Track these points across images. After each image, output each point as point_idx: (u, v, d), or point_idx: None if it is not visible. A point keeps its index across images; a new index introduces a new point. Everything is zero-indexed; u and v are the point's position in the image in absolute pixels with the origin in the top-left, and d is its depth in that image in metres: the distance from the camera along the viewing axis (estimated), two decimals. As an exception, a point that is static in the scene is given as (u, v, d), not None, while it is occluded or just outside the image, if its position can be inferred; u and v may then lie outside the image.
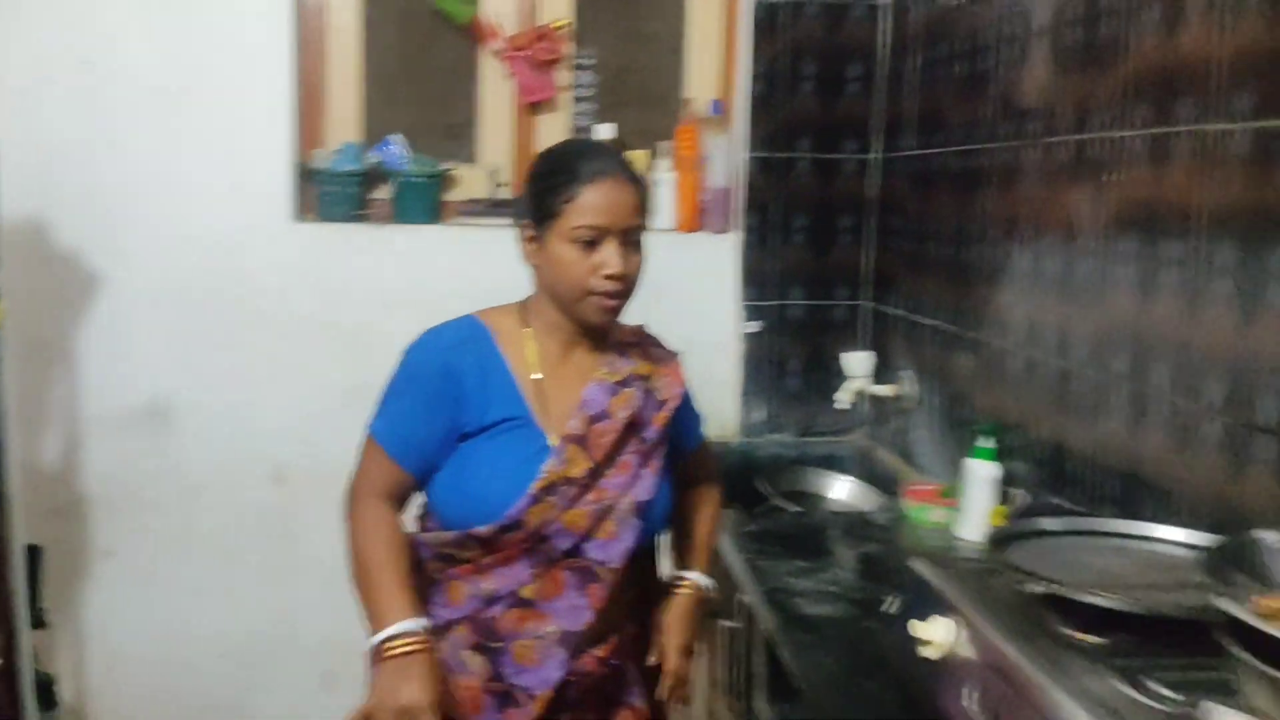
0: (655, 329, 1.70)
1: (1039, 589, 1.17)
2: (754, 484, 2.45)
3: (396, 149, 2.64)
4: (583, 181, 1.46)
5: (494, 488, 1.46)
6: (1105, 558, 1.28)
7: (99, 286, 2.52)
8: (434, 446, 1.49)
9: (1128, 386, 1.60)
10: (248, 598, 2.67)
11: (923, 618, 1.24)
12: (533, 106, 2.71)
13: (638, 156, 2.66)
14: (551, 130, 2.73)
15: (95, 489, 2.58)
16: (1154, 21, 1.55)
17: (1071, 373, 1.77)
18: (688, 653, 1.66)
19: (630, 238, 1.47)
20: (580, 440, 1.49)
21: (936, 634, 1.20)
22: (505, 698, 1.47)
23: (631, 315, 1.56)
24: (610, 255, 1.44)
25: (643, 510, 1.51)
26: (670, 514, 1.63)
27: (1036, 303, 1.90)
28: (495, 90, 2.71)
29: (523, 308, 1.57)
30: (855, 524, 2.16)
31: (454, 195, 2.72)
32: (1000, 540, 1.32)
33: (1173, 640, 1.08)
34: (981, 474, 1.95)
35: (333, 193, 2.59)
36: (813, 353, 2.76)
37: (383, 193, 2.65)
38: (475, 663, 1.47)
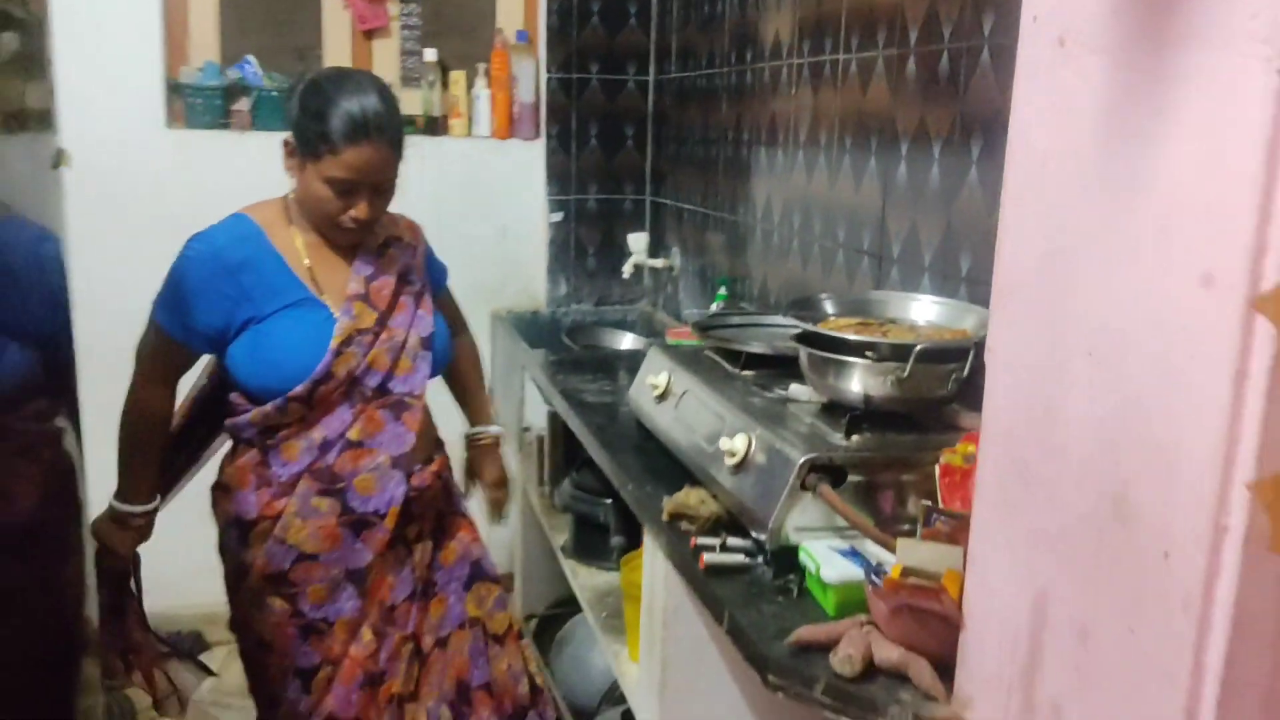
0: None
1: (717, 346, 1.89)
2: (560, 340, 3.12)
3: (252, 68, 3.12)
4: (344, 140, 1.66)
5: (296, 353, 1.73)
6: (763, 334, 2.02)
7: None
8: (214, 333, 1.76)
9: (800, 236, 2.36)
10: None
11: (655, 374, 1.94)
12: (368, 34, 3.24)
13: (457, 75, 3.24)
14: (384, 53, 3.27)
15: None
16: (814, -15, 2.27)
17: (772, 232, 2.52)
18: (500, 485, 2.12)
19: (380, 187, 1.73)
20: (363, 298, 1.77)
21: (660, 381, 1.91)
22: (359, 525, 1.78)
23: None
24: (361, 205, 1.70)
25: (428, 343, 1.85)
26: (447, 348, 1.95)
27: (756, 186, 2.64)
28: (335, 19, 3.22)
29: (285, 205, 1.81)
30: (630, 356, 2.87)
31: (303, 107, 3.22)
32: (702, 327, 2.04)
33: (793, 370, 1.81)
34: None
35: (198, 104, 3.05)
36: (605, 237, 3.43)
37: (241, 105, 3.12)
38: (325, 505, 1.76)
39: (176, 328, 1.79)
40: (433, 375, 1.91)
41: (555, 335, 3.15)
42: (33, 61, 1.77)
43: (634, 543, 2.21)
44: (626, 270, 3.30)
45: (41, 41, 1.80)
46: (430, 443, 1.94)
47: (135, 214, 3.03)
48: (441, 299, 2.02)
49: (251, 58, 3.13)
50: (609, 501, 2.33)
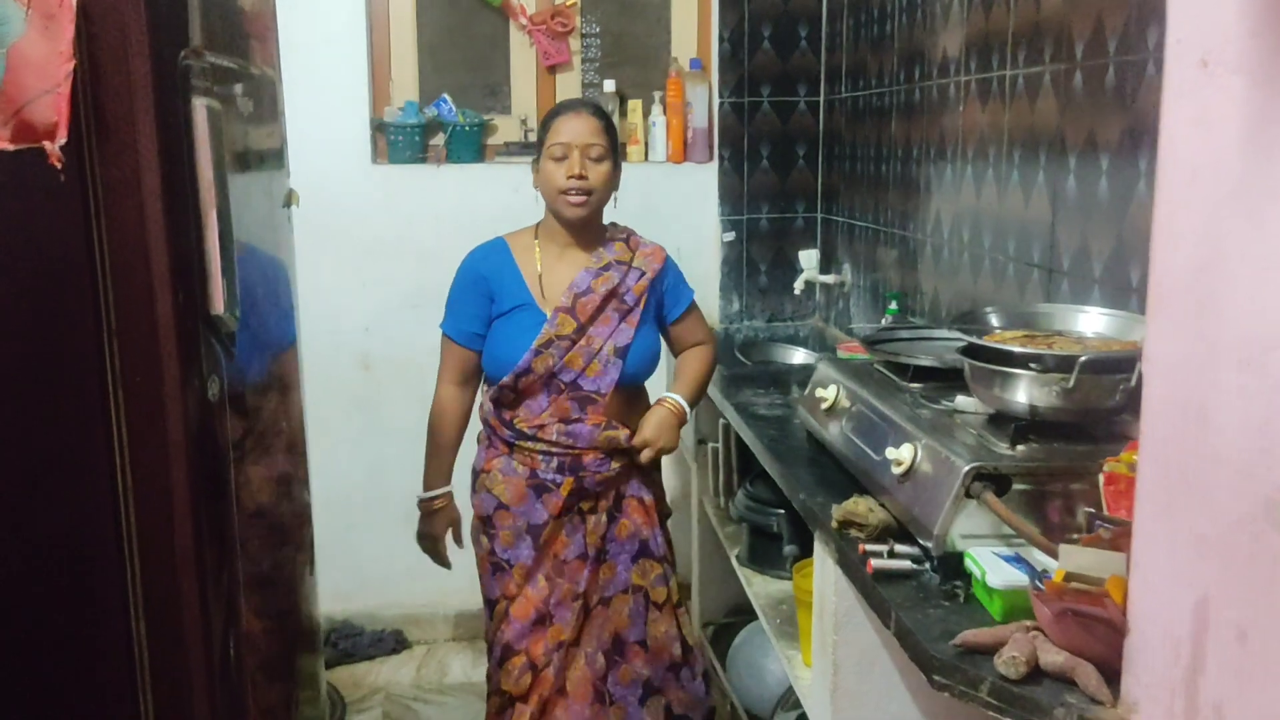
0: (654, 240, 2.39)
1: (885, 360, 1.95)
2: (734, 355, 3.22)
3: (447, 105, 3.38)
4: (556, 116, 2.16)
5: (511, 348, 2.14)
6: (933, 348, 2.05)
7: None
8: (480, 329, 2.20)
9: (970, 249, 2.37)
10: (344, 458, 3.41)
11: (824, 388, 2.01)
12: (551, 68, 3.44)
13: (634, 104, 3.40)
14: (566, 85, 3.46)
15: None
16: None
17: (942, 246, 2.54)
18: (658, 437, 2.19)
19: (590, 154, 2.10)
20: (568, 310, 2.14)
21: (829, 394, 1.98)
22: (541, 488, 2.18)
23: (602, 219, 2.24)
24: (572, 163, 2.09)
25: (622, 353, 2.17)
26: (651, 359, 2.25)
27: (926, 201, 2.66)
28: (522, 56, 3.43)
29: (536, 227, 2.25)
30: (802, 371, 2.93)
31: (493, 139, 3.43)
32: (870, 342, 2.10)
33: (962, 382, 1.84)
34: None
35: (399, 140, 3.32)
36: (776, 255, 3.51)
37: (438, 139, 3.37)
38: (520, 467, 2.19)
39: (455, 331, 2.22)
40: (631, 381, 2.20)
41: (729, 351, 3.25)
42: (267, 111, 2.02)
43: (806, 551, 2.28)
44: (798, 287, 3.36)
45: (274, 96, 2.05)
46: (616, 423, 2.19)
47: (347, 241, 3.31)
48: (680, 320, 2.33)
49: (446, 96, 3.38)
50: (781, 511, 2.40)
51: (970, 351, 1.65)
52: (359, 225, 3.32)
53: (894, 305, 2.74)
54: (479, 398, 2.33)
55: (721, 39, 3.37)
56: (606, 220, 2.30)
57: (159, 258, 1.21)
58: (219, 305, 1.33)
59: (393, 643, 3.45)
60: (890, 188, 2.88)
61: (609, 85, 3.39)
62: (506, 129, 3.46)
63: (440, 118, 3.35)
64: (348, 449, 3.42)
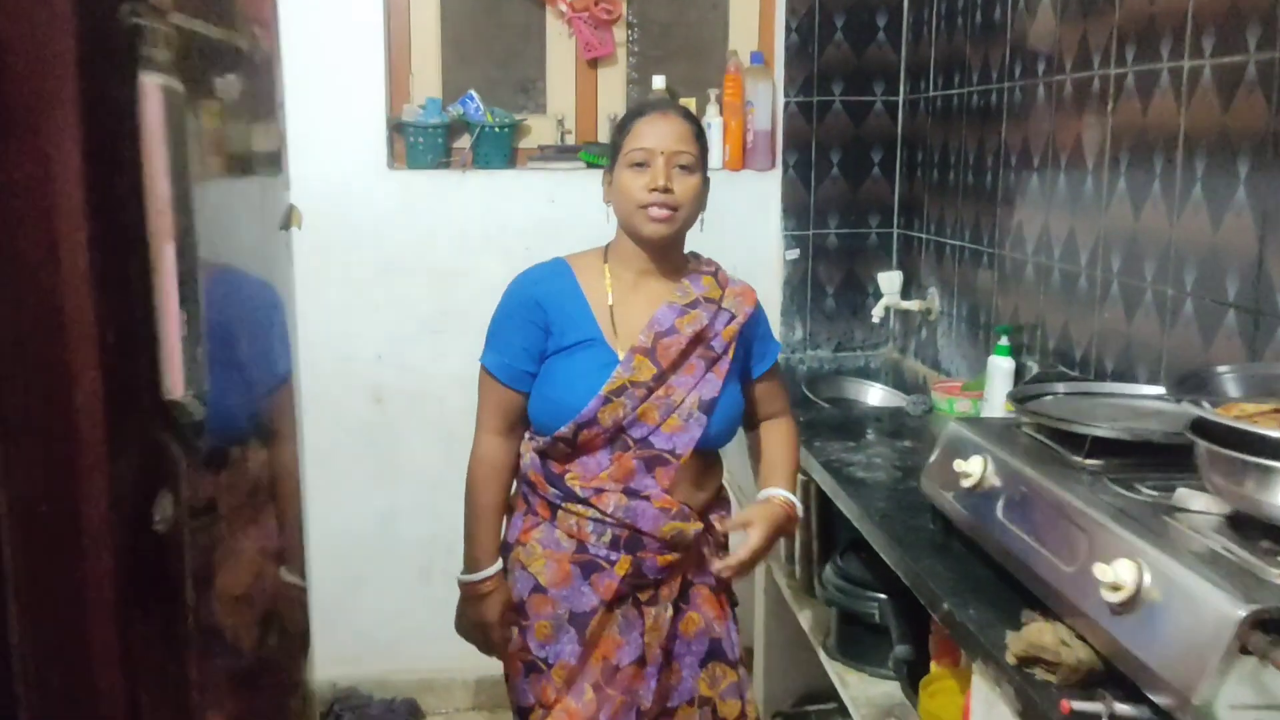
0: (706, 256, 1.99)
1: (1045, 425, 1.52)
2: (801, 391, 2.79)
3: (474, 103, 2.96)
4: (637, 117, 1.78)
5: (570, 393, 1.73)
6: (1101, 408, 1.62)
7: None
8: (530, 365, 1.78)
9: (1121, 280, 1.94)
10: (351, 503, 3.00)
11: (964, 458, 1.58)
12: (593, 61, 3.02)
13: (687, 102, 2.97)
14: (610, 82, 3.04)
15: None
16: (1144, -23, 1.86)
17: (1077, 274, 2.11)
18: (761, 552, 1.77)
19: (678, 162, 1.74)
20: (647, 351, 1.74)
21: (973, 468, 1.55)
22: (589, 566, 1.74)
23: (684, 245, 1.87)
24: (656, 173, 1.72)
25: (708, 407, 1.76)
26: (736, 420, 1.83)
27: (1047, 217, 2.23)
28: (560, 48, 3.02)
29: (605, 249, 1.85)
30: (891, 415, 2.51)
31: (526, 142, 3.02)
32: (1019, 399, 1.67)
33: (1155, 461, 1.42)
34: (1001, 368, 2.29)
35: (420, 143, 2.90)
36: (846, 276, 3.08)
37: (463, 142, 2.95)
38: (565, 539, 1.76)
39: (499, 368, 1.81)
40: (710, 444, 1.81)
41: (793, 386, 2.82)
42: (260, 102, 1.59)
43: (920, 653, 1.85)
44: (877, 314, 2.94)
45: (271, 80, 1.63)
46: (688, 509, 1.77)
47: (358, 256, 2.91)
48: (763, 379, 1.92)
49: (474, 93, 2.96)
50: (884, 597, 1.98)
51: (1201, 428, 1.22)
52: (371, 238, 2.92)
53: (1004, 342, 2.30)
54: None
55: (788, 30, 2.96)
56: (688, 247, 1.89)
57: (79, 316, 0.78)
58: (176, 387, 0.89)
59: (405, 713, 3.06)
60: (996, 201, 2.46)
61: (658, 82, 2.96)
62: (541, 131, 3.04)
63: (466, 117, 2.94)
64: (355, 493, 3.01)
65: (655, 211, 1.74)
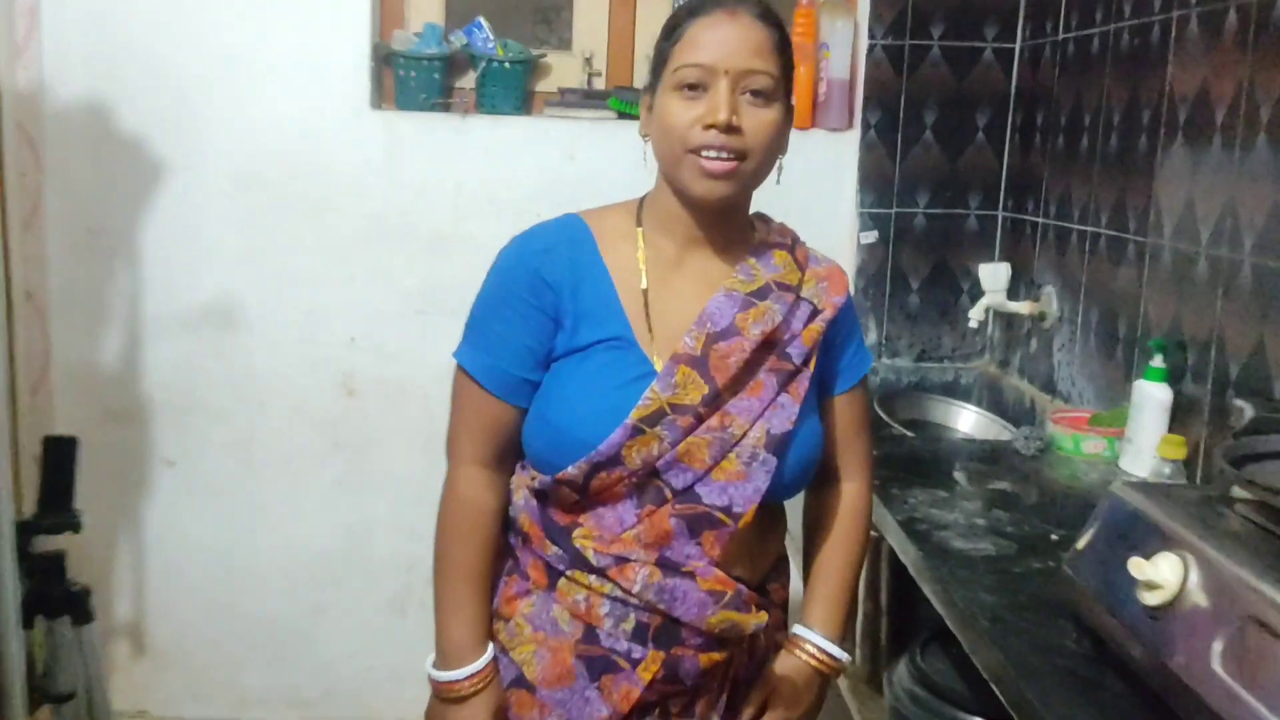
0: None
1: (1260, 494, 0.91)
2: (873, 410, 2.20)
3: (483, 32, 2.42)
4: (692, 17, 1.22)
5: (585, 420, 1.22)
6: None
7: (164, 174, 2.34)
8: (530, 372, 1.26)
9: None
10: (314, 514, 2.51)
11: (1144, 554, 0.98)
12: (631, -15, 2.47)
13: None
14: (651, 13, 2.48)
15: (156, 394, 2.43)
16: None
17: (1272, 271, 1.48)
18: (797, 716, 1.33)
19: (750, 86, 1.20)
20: (695, 361, 1.23)
21: (1165, 577, 0.95)
22: (600, 663, 1.24)
23: (750, 205, 1.30)
24: (717, 101, 1.18)
25: (778, 445, 1.23)
26: (814, 462, 1.31)
27: (1232, 194, 1.60)
28: (590, -33, 2.47)
29: (639, 204, 1.32)
30: (994, 453, 1.90)
31: (544, 85, 2.50)
32: (1235, 460, 1.06)
33: None
34: (1154, 397, 1.68)
35: (412, 78, 2.38)
36: (936, 267, 2.48)
37: (466, 80, 2.45)
38: (565, 620, 1.25)
39: (486, 371, 1.27)
40: (782, 497, 1.30)
41: (864, 403, 2.23)
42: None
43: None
44: (974, 316, 2.33)
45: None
46: (745, 590, 1.24)
47: (331, 216, 2.42)
48: (845, 402, 1.35)
49: (482, 20, 2.42)
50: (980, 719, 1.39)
51: None
52: (348, 194, 2.40)
53: (1158, 363, 1.69)
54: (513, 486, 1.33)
55: (878, -46, 2.36)
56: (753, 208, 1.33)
57: None
58: None
59: (369, 772, 2.52)
60: (1153, 174, 1.84)
61: (712, 15, 2.39)
62: (563, 70, 2.51)
63: (471, 49, 2.41)
64: (319, 503, 2.53)
65: (711, 159, 1.19)
